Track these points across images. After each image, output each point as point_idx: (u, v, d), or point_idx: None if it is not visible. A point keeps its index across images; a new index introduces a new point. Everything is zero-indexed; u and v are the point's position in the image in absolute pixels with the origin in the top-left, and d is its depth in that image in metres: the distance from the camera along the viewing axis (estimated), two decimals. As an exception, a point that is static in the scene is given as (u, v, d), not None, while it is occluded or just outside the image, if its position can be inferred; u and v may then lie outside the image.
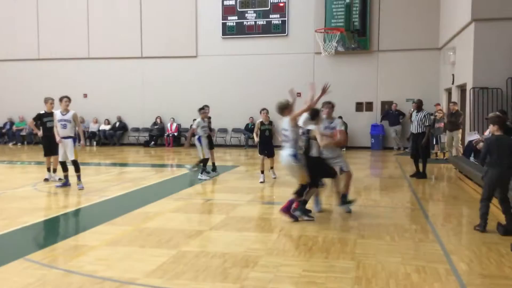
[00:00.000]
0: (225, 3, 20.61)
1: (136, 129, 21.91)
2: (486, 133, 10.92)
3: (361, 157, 16.32)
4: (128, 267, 4.98)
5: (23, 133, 22.34)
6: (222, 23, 20.67)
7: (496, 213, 6.76)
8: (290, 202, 7.01)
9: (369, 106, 19.70)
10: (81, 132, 10.19)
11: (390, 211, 7.81)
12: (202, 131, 11.26)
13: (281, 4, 20.12)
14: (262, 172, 10.78)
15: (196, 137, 11.33)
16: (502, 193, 6.30)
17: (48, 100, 10.76)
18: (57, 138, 9.77)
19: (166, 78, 21.32)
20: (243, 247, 5.66)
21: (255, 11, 20.37)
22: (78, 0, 21.95)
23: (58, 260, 5.27)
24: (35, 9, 22.37)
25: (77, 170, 9.86)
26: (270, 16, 20.25)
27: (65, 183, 10.03)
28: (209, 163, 11.65)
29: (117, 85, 21.76)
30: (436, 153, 15.51)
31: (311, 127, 7.24)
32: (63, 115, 9.78)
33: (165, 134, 21.12)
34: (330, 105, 7.81)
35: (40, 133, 10.98)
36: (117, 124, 21.79)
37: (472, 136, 12.09)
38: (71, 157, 9.80)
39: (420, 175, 11.34)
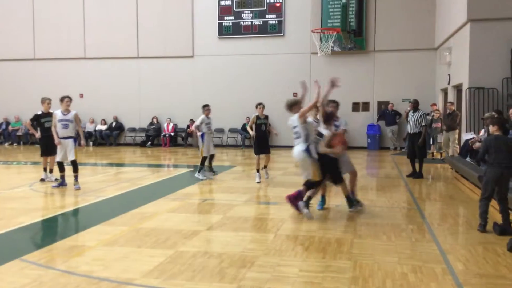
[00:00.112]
0: (222, 3, 20.60)
1: (133, 129, 21.88)
2: (481, 133, 10.96)
3: (358, 157, 16.33)
4: (125, 267, 4.97)
5: (19, 133, 22.26)
6: (219, 23, 20.67)
7: (492, 212, 6.78)
8: (298, 193, 7.09)
9: (366, 106, 19.74)
10: (81, 132, 10.16)
11: (386, 211, 7.82)
12: (206, 127, 11.22)
13: (278, 4, 20.13)
14: (258, 170, 10.77)
15: (199, 134, 11.27)
16: (500, 192, 6.32)
17: (46, 100, 10.68)
18: (56, 140, 9.68)
19: (162, 78, 21.31)
20: (240, 247, 5.66)
21: (251, 11, 20.37)
22: (73, 0, 21.90)
23: (54, 261, 5.26)
24: (31, 9, 22.30)
25: (75, 170, 9.84)
26: (267, 16, 20.26)
27: (62, 183, 10.00)
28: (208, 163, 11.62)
29: (114, 85, 21.73)
30: (433, 153, 15.55)
31: (324, 131, 7.28)
32: (64, 115, 9.73)
33: (162, 134, 21.11)
34: (335, 104, 7.83)
35: (37, 134, 10.89)
36: (114, 124, 21.75)
37: (468, 136, 12.13)
38: (72, 157, 9.76)
39: (416, 175, 11.37)
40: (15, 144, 22.16)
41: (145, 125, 21.64)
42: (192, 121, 19.75)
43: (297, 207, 7.11)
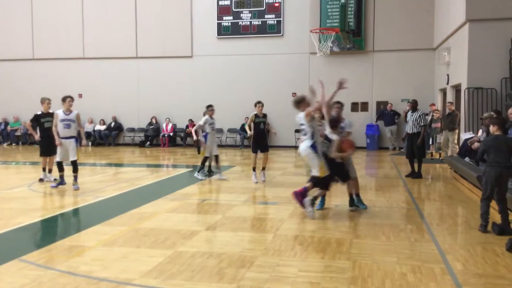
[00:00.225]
0: (220, 3, 20.60)
1: (132, 129, 21.87)
2: (479, 133, 10.97)
3: (357, 157, 16.30)
4: (124, 267, 4.97)
5: (18, 133, 22.22)
6: (217, 23, 20.66)
7: (491, 212, 6.77)
8: (305, 189, 7.15)
9: (364, 106, 19.75)
10: (82, 132, 10.15)
11: (385, 211, 7.83)
12: (210, 127, 11.20)
13: (276, 4, 20.13)
14: (254, 169, 10.70)
15: (203, 134, 11.24)
16: (499, 192, 6.33)
17: (45, 101, 10.64)
18: (57, 141, 9.63)
19: (161, 78, 21.30)
20: (239, 247, 5.66)
21: (250, 11, 20.37)
22: (72, 0, 21.88)
23: (53, 261, 5.25)
24: (30, 9, 22.28)
25: (75, 170, 9.82)
26: (266, 16, 20.26)
27: (61, 183, 9.97)
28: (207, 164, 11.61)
29: (112, 85, 21.72)
30: (432, 153, 15.57)
31: (333, 136, 7.32)
32: (66, 114, 9.70)
33: (161, 134, 21.10)
34: (340, 105, 7.85)
35: (37, 136, 10.78)
36: (112, 124, 21.74)
37: (467, 136, 12.14)
38: (73, 157, 9.74)
39: (415, 175, 11.38)
40: (13, 144, 22.12)
41: (144, 125, 21.63)
42: (191, 121, 19.77)
43: (302, 204, 7.15)
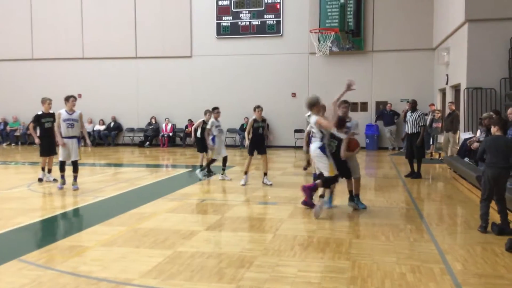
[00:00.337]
0: (220, 3, 20.60)
1: (131, 130, 21.86)
2: (478, 133, 10.98)
3: (357, 157, 16.31)
4: (124, 267, 4.97)
5: (17, 133, 22.23)
6: (217, 23, 20.66)
7: (491, 213, 6.78)
8: (314, 185, 7.34)
9: (364, 106, 19.75)
10: (85, 133, 10.14)
11: (385, 211, 7.83)
12: (217, 130, 11.18)
13: (276, 5, 20.13)
14: (246, 173, 10.49)
15: (210, 137, 11.17)
16: (498, 193, 6.34)
17: (46, 101, 10.59)
18: (60, 141, 9.59)
19: (160, 78, 21.29)
20: (239, 247, 5.66)
21: (249, 11, 20.37)
22: (72, 0, 21.88)
23: (53, 261, 5.25)
24: (29, 9, 22.27)
25: (76, 170, 9.82)
26: (265, 16, 20.26)
27: (63, 183, 9.93)
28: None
29: (112, 85, 21.71)
30: (431, 153, 15.57)
31: (341, 135, 7.45)
32: (69, 114, 9.68)
33: (160, 135, 21.10)
34: (347, 104, 7.86)
35: (37, 140, 10.67)
36: (112, 124, 21.73)
37: (467, 136, 12.15)
38: (76, 157, 9.72)
39: (415, 175, 11.38)
40: (13, 144, 22.12)
41: (143, 125, 21.63)
42: (191, 121, 19.77)
43: (310, 197, 7.42)
